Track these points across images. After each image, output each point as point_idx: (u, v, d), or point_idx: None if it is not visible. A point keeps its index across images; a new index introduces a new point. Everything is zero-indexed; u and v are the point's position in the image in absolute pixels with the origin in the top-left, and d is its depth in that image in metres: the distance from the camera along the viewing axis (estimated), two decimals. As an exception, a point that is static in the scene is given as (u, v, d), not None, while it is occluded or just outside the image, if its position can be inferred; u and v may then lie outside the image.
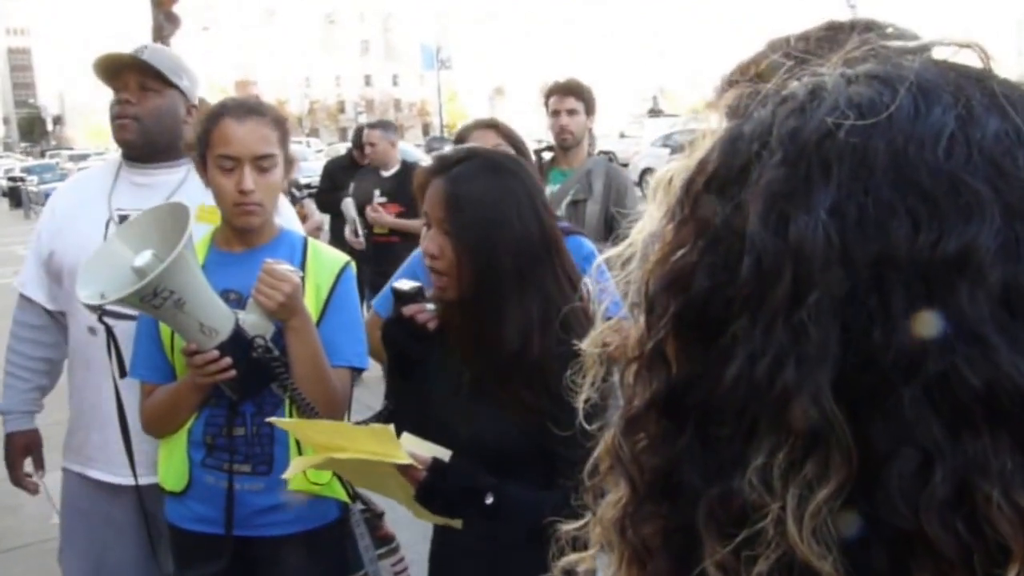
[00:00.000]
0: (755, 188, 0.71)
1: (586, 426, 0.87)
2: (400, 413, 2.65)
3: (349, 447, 2.40)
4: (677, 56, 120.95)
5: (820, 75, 0.76)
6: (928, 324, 0.65)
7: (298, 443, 2.90)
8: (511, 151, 3.47)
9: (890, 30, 1.42)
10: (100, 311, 2.79)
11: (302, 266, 3.00)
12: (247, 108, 3.00)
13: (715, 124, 0.80)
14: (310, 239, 3.15)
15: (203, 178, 3.00)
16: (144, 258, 2.64)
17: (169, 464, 3.05)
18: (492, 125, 4.05)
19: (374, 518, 3.15)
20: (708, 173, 0.75)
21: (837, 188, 0.68)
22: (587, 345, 0.87)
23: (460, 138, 4.07)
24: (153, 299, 2.56)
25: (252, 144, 2.91)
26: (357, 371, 3.09)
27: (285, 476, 2.57)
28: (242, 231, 3.00)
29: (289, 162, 3.05)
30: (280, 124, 3.02)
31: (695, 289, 0.73)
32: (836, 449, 0.66)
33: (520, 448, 2.41)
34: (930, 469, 0.64)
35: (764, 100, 0.77)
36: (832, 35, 1.31)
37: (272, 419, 2.69)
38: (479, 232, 2.44)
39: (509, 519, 2.35)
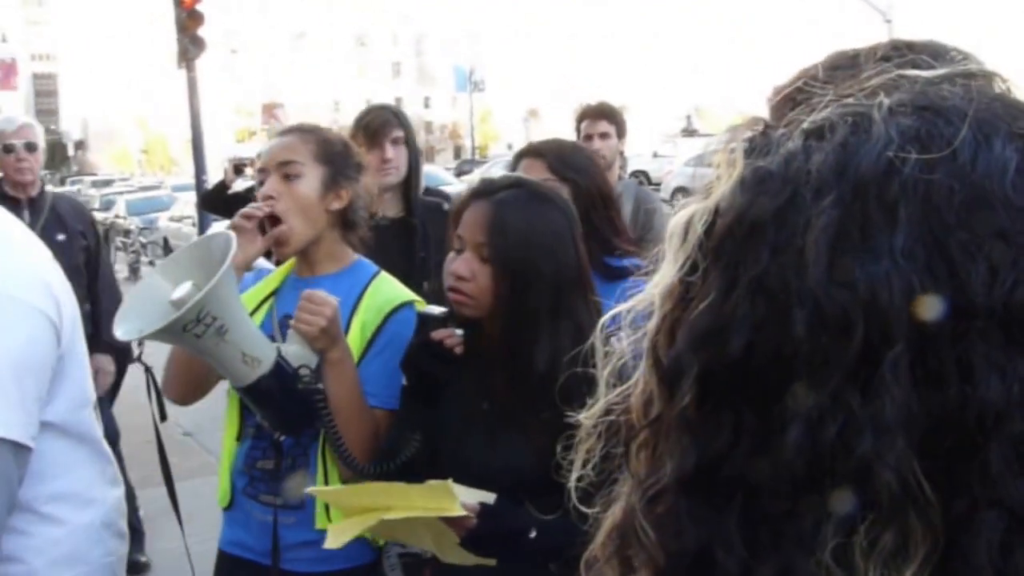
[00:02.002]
0: (809, 232, 0.65)
1: (581, 508, 0.81)
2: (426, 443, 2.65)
3: (400, 506, 2.38)
4: (713, 74, 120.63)
5: (851, 106, 0.71)
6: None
7: (325, 478, 2.87)
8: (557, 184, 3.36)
9: (953, 53, 1.33)
10: (140, 349, 2.72)
11: (357, 300, 2.97)
12: (293, 127, 3.08)
13: (730, 158, 0.74)
14: (381, 274, 3.08)
15: None
16: (183, 289, 2.53)
17: (222, 478, 3.07)
18: (540, 154, 3.63)
19: (417, 563, 3.03)
20: (733, 216, 0.70)
21: (904, 231, 0.63)
22: (586, 416, 0.81)
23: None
24: (196, 327, 2.45)
25: (276, 151, 2.95)
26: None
27: (328, 546, 2.53)
28: (312, 257, 3.01)
29: (335, 184, 2.97)
30: (323, 143, 2.99)
31: (731, 347, 0.66)
32: (920, 521, 0.61)
33: (536, 477, 2.30)
34: (1022, 534, 0.59)
35: (789, 135, 0.72)
36: (849, 63, 1.17)
37: (312, 489, 2.70)
38: (521, 261, 2.46)
39: (548, 547, 2.34)
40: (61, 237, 5.46)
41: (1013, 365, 0.60)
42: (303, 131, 3.03)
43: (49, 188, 5.93)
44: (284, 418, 2.77)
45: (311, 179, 2.93)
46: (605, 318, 0.79)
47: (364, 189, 3.07)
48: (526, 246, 2.46)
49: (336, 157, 3.00)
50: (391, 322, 2.95)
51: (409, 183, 4.62)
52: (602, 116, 5.64)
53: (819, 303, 0.63)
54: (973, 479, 0.59)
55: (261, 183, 2.97)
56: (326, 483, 2.85)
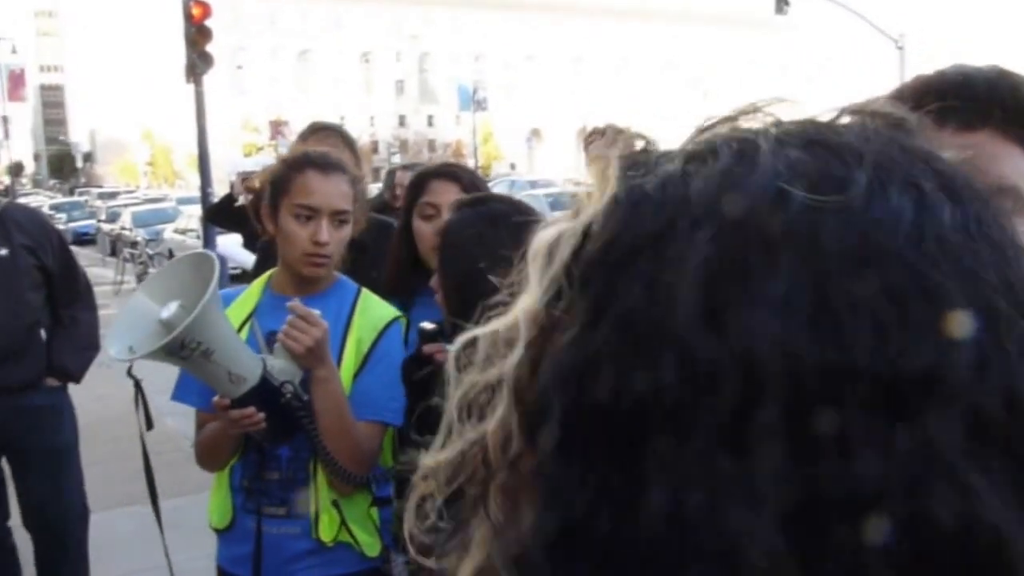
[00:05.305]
0: (680, 269, 0.58)
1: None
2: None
3: None
4: (722, 98, 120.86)
5: (738, 131, 0.66)
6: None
7: (328, 485, 2.93)
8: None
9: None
10: (131, 365, 2.80)
11: (349, 318, 3.05)
12: (331, 163, 3.07)
13: (604, 174, 0.67)
14: (364, 291, 3.16)
15: (263, 222, 3.07)
16: (171, 310, 2.62)
17: (215, 501, 3.10)
18: (454, 176, 3.60)
19: (423, 571, 3.01)
20: (604, 240, 0.63)
21: (786, 277, 0.57)
22: (433, 452, 0.71)
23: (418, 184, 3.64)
24: (181, 351, 2.55)
25: (333, 199, 3.00)
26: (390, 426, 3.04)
27: None
28: (308, 280, 3.05)
29: (357, 219, 3.11)
30: (356, 183, 3.11)
31: (597, 389, 0.59)
32: None
33: None
34: None
35: (669, 156, 0.66)
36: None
37: None
38: (456, 276, 2.49)
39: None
40: (3, 252, 4.96)
41: (895, 440, 0.54)
42: (341, 170, 3.07)
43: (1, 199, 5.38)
44: (270, 430, 2.82)
45: (352, 223, 3.07)
46: (459, 342, 0.70)
47: None
48: (460, 263, 2.48)
49: (361, 196, 3.15)
50: (384, 338, 3.05)
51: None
52: None
53: (688, 349, 0.56)
54: (842, 563, 0.54)
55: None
56: (316, 498, 2.93)
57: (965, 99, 1.51)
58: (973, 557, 0.53)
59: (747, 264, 0.57)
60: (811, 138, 0.63)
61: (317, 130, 4.63)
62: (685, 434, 0.56)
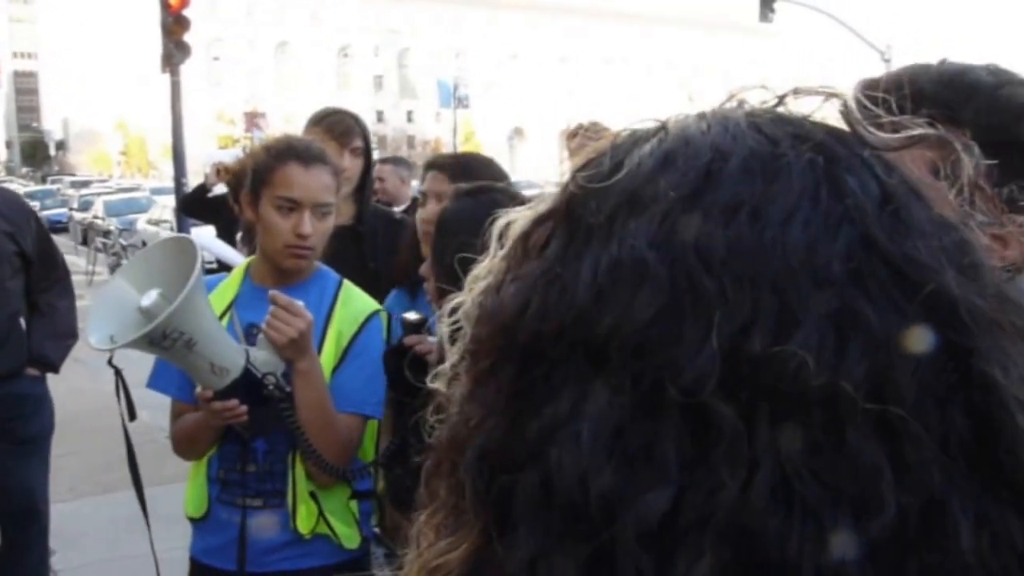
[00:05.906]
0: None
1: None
2: (406, 450, 2.64)
3: None
4: (709, 100, 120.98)
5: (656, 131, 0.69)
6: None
7: (306, 476, 2.90)
8: None
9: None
10: (111, 354, 2.72)
11: (330, 310, 3.02)
12: (313, 154, 3.02)
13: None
14: (346, 282, 3.13)
15: (243, 211, 3.02)
16: (151, 298, 2.57)
17: (191, 490, 3.08)
18: (444, 168, 3.71)
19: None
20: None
21: (554, 252, 0.63)
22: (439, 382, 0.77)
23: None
24: (163, 341, 2.50)
25: (316, 191, 2.96)
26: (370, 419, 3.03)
27: None
28: (288, 272, 3.01)
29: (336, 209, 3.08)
30: (337, 174, 3.07)
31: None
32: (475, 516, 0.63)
33: None
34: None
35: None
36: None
37: None
38: (451, 264, 2.31)
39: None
40: None
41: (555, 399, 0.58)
42: (323, 161, 3.03)
43: None
44: (252, 422, 2.81)
45: (334, 213, 3.06)
46: (451, 302, 0.77)
47: None
48: (457, 250, 2.55)
49: (340, 188, 3.11)
50: (365, 331, 3.02)
51: (362, 191, 4.48)
52: (591, 137, 5.55)
53: (486, 308, 0.66)
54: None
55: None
56: (294, 490, 2.91)
57: (942, 97, 1.52)
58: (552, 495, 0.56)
59: (547, 241, 0.65)
60: (661, 127, 0.67)
61: (329, 115, 4.56)
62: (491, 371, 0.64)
